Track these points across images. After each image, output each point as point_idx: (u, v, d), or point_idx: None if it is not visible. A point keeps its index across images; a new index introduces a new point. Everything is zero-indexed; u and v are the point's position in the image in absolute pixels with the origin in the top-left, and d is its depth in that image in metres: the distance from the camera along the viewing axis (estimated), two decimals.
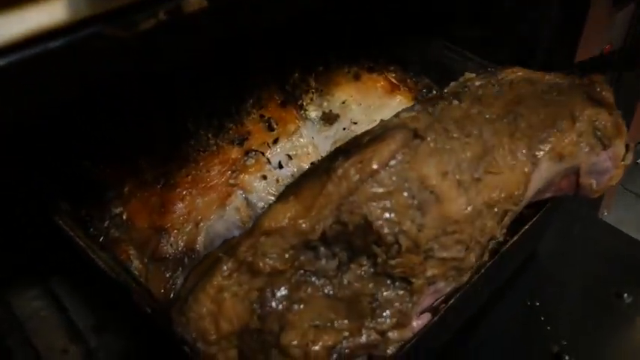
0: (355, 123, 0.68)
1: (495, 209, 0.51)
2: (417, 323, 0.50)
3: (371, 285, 0.49)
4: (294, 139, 0.63)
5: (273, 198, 0.60)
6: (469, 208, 0.49)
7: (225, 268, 0.46)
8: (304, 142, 0.64)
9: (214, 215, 0.60)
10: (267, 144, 0.62)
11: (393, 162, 0.46)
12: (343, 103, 0.70)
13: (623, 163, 0.57)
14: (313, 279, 0.48)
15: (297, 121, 0.64)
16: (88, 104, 0.59)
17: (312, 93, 0.68)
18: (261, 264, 0.45)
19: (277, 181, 0.62)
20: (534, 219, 0.60)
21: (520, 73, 0.57)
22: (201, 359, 0.45)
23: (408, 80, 0.76)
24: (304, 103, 0.68)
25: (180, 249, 0.59)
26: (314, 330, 0.47)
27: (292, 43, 0.74)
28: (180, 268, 0.59)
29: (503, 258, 0.57)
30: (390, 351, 0.48)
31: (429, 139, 0.48)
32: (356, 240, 0.47)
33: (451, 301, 0.52)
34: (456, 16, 0.87)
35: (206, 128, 0.62)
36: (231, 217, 0.60)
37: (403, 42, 0.82)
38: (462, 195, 0.49)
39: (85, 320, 0.68)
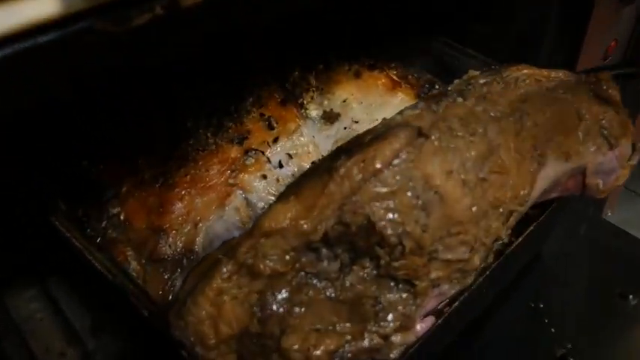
0: (356, 122, 0.67)
1: (501, 210, 0.50)
2: (420, 327, 0.49)
3: (374, 287, 0.48)
4: (294, 137, 0.62)
5: (273, 198, 0.59)
6: (474, 209, 0.48)
7: (224, 270, 0.45)
8: (305, 141, 0.62)
9: (213, 215, 0.59)
10: (267, 143, 0.61)
11: (396, 161, 0.45)
12: (344, 101, 0.69)
13: (629, 163, 0.56)
14: (315, 281, 0.47)
15: (297, 120, 0.63)
16: (85, 103, 0.59)
17: (313, 91, 0.67)
18: (261, 266, 0.44)
19: (277, 180, 0.61)
20: (540, 219, 0.59)
21: (525, 71, 0.56)
22: None
23: (410, 77, 0.75)
24: (305, 102, 0.66)
25: (178, 250, 0.58)
26: (315, 334, 0.46)
27: (292, 41, 0.73)
28: (179, 270, 0.58)
29: (508, 259, 0.56)
30: (393, 355, 0.47)
31: (433, 137, 0.47)
32: (358, 241, 0.46)
33: (455, 304, 0.51)
34: (457, 14, 0.86)
35: (205, 127, 0.61)
36: (230, 217, 0.59)
37: (404, 40, 0.81)
38: (467, 195, 0.47)
39: (82, 322, 0.67)
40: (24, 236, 0.65)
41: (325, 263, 0.47)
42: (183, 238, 0.58)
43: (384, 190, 0.45)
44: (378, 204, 0.45)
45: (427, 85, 0.76)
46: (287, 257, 0.45)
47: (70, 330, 0.67)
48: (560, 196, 0.59)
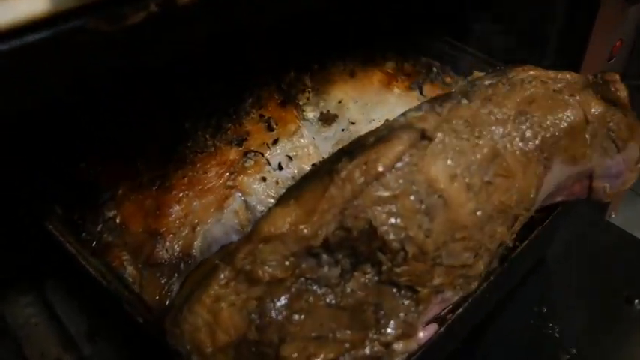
0: (353, 123, 0.66)
1: (506, 214, 0.49)
2: (423, 334, 0.48)
3: (375, 294, 0.46)
4: (294, 139, 0.61)
5: (272, 201, 0.58)
6: (479, 213, 0.47)
7: (222, 276, 0.44)
8: (305, 143, 0.61)
9: (212, 219, 0.58)
10: (267, 145, 0.60)
11: (399, 164, 0.44)
12: (340, 102, 0.68)
13: (637, 166, 0.55)
14: (315, 287, 0.46)
15: (297, 121, 0.62)
16: (81, 105, 0.58)
17: (309, 92, 0.66)
18: (259, 272, 0.43)
19: (277, 183, 0.59)
20: (545, 224, 0.58)
21: (531, 72, 0.55)
22: None
23: (405, 65, 0.74)
24: (301, 103, 0.65)
25: (176, 254, 0.57)
26: (315, 342, 0.45)
27: (293, 41, 0.72)
28: (176, 274, 0.57)
29: (512, 264, 0.55)
30: None
31: (437, 140, 0.46)
32: (360, 246, 0.45)
33: (459, 311, 0.50)
34: (460, 13, 0.85)
35: (203, 129, 0.59)
36: (229, 220, 0.58)
37: (406, 40, 0.80)
38: (472, 199, 0.46)
39: (78, 327, 0.67)
40: (19, 241, 0.64)
41: (326, 269, 0.46)
42: (180, 242, 0.57)
43: (387, 194, 0.43)
44: (380, 208, 0.44)
45: (424, 71, 0.75)
46: (286, 263, 0.44)
47: (66, 335, 0.66)
48: (566, 200, 0.57)
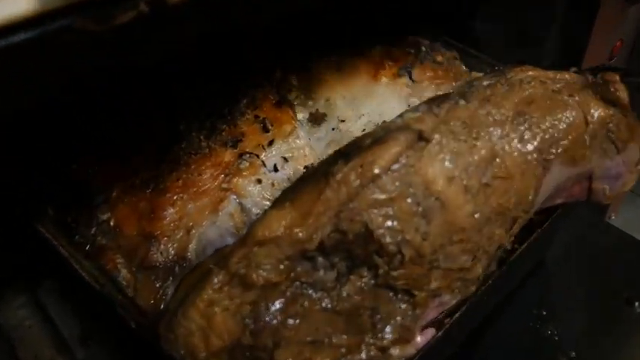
0: (343, 121, 0.65)
1: (504, 216, 0.48)
2: (420, 338, 0.47)
3: (371, 298, 0.46)
4: (290, 140, 0.60)
5: (268, 203, 0.57)
6: (477, 216, 0.46)
7: (215, 280, 0.43)
8: (301, 144, 0.60)
9: (207, 221, 0.57)
10: (262, 146, 0.59)
11: (395, 166, 0.43)
12: (327, 100, 0.66)
13: (638, 167, 0.54)
14: (310, 291, 0.45)
15: (293, 122, 0.61)
16: (74, 106, 0.57)
17: (297, 91, 0.65)
18: (254, 276, 0.43)
19: (273, 185, 0.59)
20: (544, 226, 0.57)
21: (530, 72, 0.54)
22: None
23: (393, 51, 0.72)
24: (295, 104, 0.64)
25: (170, 257, 0.56)
26: (310, 347, 0.44)
27: (287, 40, 0.71)
28: (171, 278, 0.56)
29: (511, 267, 0.55)
30: None
31: (434, 141, 0.45)
32: (356, 249, 0.44)
33: (456, 315, 0.49)
34: (459, 13, 0.84)
35: (198, 130, 0.59)
36: (224, 223, 0.57)
37: (404, 40, 0.79)
38: (470, 201, 0.46)
39: (71, 331, 0.66)
40: (13, 242, 0.64)
41: (321, 273, 0.45)
42: (175, 245, 0.56)
43: (383, 196, 0.43)
44: (376, 211, 0.43)
45: (413, 51, 0.73)
46: (281, 267, 0.43)
47: (59, 338, 0.66)
48: (565, 202, 0.57)
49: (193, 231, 0.57)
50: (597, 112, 0.54)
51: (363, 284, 0.46)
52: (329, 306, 0.45)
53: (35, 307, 0.68)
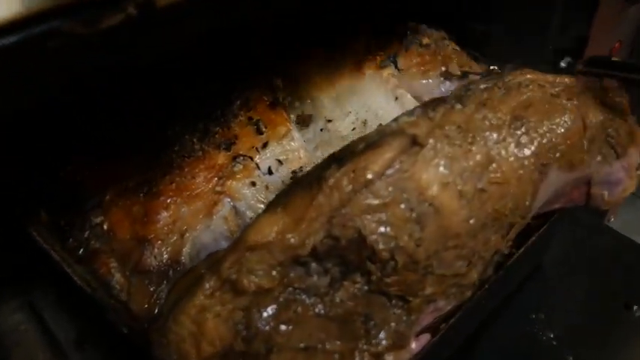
0: (330, 121, 0.64)
1: (501, 222, 0.47)
2: (415, 344, 0.47)
3: (365, 303, 0.45)
4: (284, 142, 0.59)
5: (262, 206, 0.56)
6: (472, 221, 0.46)
7: (207, 286, 0.43)
8: (295, 146, 0.60)
9: (200, 225, 0.56)
10: (256, 148, 0.58)
11: (389, 171, 0.43)
12: (313, 100, 0.65)
13: (637, 173, 0.53)
14: (303, 297, 0.45)
15: (287, 124, 0.60)
16: (66, 108, 0.56)
17: (282, 93, 0.63)
18: (245, 282, 0.42)
19: (267, 187, 0.58)
20: (541, 230, 0.57)
21: (528, 76, 0.53)
22: None
23: (376, 40, 0.69)
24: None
25: (164, 261, 0.55)
26: (303, 353, 0.44)
27: (286, 42, 0.70)
28: (165, 282, 0.55)
29: (507, 272, 0.54)
30: None
31: (428, 146, 0.45)
32: (349, 255, 0.44)
33: (452, 320, 0.49)
34: (457, 14, 0.84)
35: (191, 132, 0.58)
36: (218, 226, 0.57)
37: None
38: (464, 207, 0.45)
39: (66, 334, 0.66)
40: (7, 246, 0.63)
41: (315, 278, 0.45)
42: (169, 249, 0.56)
43: (376, 201, 0.42)
44: (369, 217, 0.42)
45: (396, 37, 0.69)
46: (273, 272, 0.43)
47: (55, 342, 0.65)
48: (563, 207, 0.56)
49: (187, 235, 0.56)
50: (596, 116, 0.53)
51: (356, 290, 0.45)
52: (322, 312, 0.45)
53: (30, 310, 0.68)
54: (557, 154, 0.50)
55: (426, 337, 0.48)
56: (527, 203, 0.49)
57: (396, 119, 0.48)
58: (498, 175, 0.47)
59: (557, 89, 0.54)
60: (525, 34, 0.79)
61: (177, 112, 0.59)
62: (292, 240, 0.42)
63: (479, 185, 0.46)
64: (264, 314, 0.43)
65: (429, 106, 0.49)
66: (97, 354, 0.63)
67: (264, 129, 0.59)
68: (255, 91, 0.61)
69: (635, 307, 0.74)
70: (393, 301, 0.46)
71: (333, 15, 0.72)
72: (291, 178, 0.57)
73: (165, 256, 0.56)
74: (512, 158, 0.48)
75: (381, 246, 0.42)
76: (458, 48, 0.74)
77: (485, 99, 0.51)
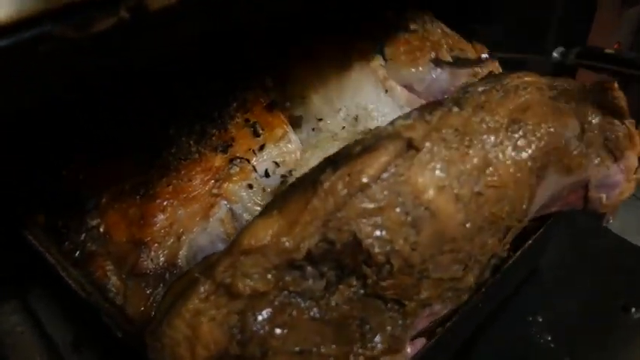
0: (320, 119, 0.63)
1: (497, 225, 0.47)
2: (410, 348, 0.46)
3: (360, 307, 0.45)
4: (281, 144, 0.59)
5: (259, 208, 0.56)
6: (468, 225, 0.45)
7: (201, 290, 0.43)
8: (292, 148, 0.59)
9: (197, 227, 0.56)
10: (253, 151, 0.58)
11: (384, 175, 0.42)
12: (303, 98, 0.64)
13: (635, 176, 0.53)
14: (299, 300, 0.44)
15: (284, 126, 0.60)
16: (63, 111, 0.56)
17: (274, 93, 0.62)
18: (240, 285, 0.42)
19: (264, 190, 0.58)
20: (538, 233, 0.57)
21: (527, 79, 0.53)
22: None
23: (361, 31, 0.67)
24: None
25: (161, 264, 0.55)
26: (299, 356, 0.44)
27: (284, 42, 0.70)
28: (162, 285, 0.55)
29: (504, 276, 0.54)
30: None
31: (424, 149, 0.44)
32: (345, 259, 0.44)
33: (448, 324, 0.49)
34: (458, 17, 0.83)
35: (187, 134, 0.58)
36: (215, 229, 0.56)
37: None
38: (461, 210, 0.45)
39: (63, 337, 0.66)
40: (4, 247, 0.63)
41: (310, 282, 0.44)
42: (165, 252, 0.55)
43: (371, 205, 0.42)
44: (364, 220, 0.42)
45: (381, 26, 0.67)
46: (268, 276, 0.43)
47: (51, 345, 0.65)
48: (561, 210, 0.56)
49: (184, 237, 0.56)
50: (595, 119, 0.53)
51: (351, 294, 0.45)
52: (317, 315, 0.45)
53: (27, 313, 0.68)
54: (555, 158, 0.50)
55: (421, 341, 0.48)
56: (524, 207, 0.49)
57: (392, 122, 0.48)
58: (495, 178, 0.46)
59: (555, 92, 0.53)
60: (525, 38, 0.79)
61: (173, 115, 0.59)
62: (287, 243, 0.42)
63: (475, 189, 0.46)
64: (259, 318, 0.43)
65: (426, 109, 0.49)
66: (94, 356, 0.63)
67: (261, 131, 0.59)
68: (251, 93, 0.60)
69: (633, 310, 0.74)
70: (389, 305, 0.45)
71: (327, 14, 0.71)
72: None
73: (162, 258, 0.55)
74: (509, 161, 0.47)
75: (376, 250, 0.42)
76: (448, 29, 0.71)
77: (482, 102, 0.50)
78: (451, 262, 0.45)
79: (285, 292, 0.44)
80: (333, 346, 0.45)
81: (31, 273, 0.67)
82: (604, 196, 0.54)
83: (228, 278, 0.42)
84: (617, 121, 0.53)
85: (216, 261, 0.43)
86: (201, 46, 0.54)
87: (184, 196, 0.56)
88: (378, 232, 0.42)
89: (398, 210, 0.42)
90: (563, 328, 0.71)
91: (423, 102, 0.66)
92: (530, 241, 0.56)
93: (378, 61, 0.67)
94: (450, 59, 0.68)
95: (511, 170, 0.47)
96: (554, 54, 0.68)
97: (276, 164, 0.59)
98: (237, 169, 0.57)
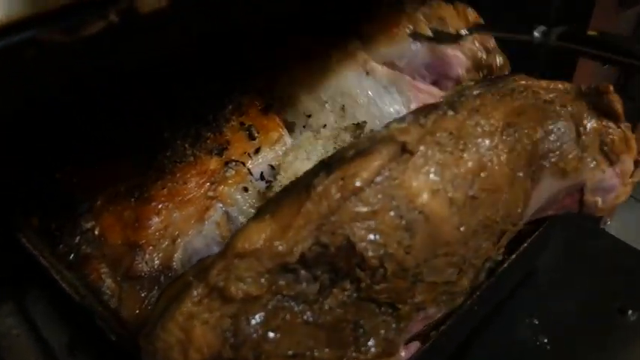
0: (309, 116, 0.62)
1: (492, 229, 0.47)
2: (404, 352, 0.46)
3: (354, 311, 0.45)
4: (276, 148, 0.59)
5: (254, 211, 0.56)
6: (462, 229, 0.45)
7: (195, 293, 0.42)
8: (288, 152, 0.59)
9: (192, 230, 0.56)
10: (248, 154, 0.58)
11: (378, 178, 0.42)
12: (290, 96, 0.63)
13: (631, 180, 0.53)
14: (292, 304, 0.44)
15: (280, 129, 0.60)
16: (57, 113, 0.56)
17: (267, 94, 0.63)
18: (233, 289, 0.42)
19: (259, 193, 0.58)
20: (533, 236, 0.56)
21: (522, 82, 0.53)
22: None
23: (338, 10, 0.67)
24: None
25: (156, 267, 0.55)
26: None
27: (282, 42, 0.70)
28: (157, 288, 0.55)
29: (499, 279, 0.54)
30: None
31: (418, 153, 0.44)
32: (339, 262, 0.44)
33: (442, 327, 0.48)
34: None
35: (183, 137, 0.58)
36: (210, 232, 0.56)
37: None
38: (455, 214, 0.45)
39: (59, 340, 0.66)
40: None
41: (304, 285, 0.44)
42: (160, 255, 0.55)
43: (365, 209, 0.42)
44: (358, 224, 0.42)
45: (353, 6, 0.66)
46: (262, 280, 0.43)
47: (47, 348, 0.65)
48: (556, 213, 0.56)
49: (179, 240, 0.56)
50: (590, 123, 0.53)
51: (345, 297, 0.45)
52: (311, 319, 0.44)
53: (22, 315, 0.67)
54: (550, 162, 0.50)
55: (415, 345, 0.48)
56: (519, 210, 0.48)
57: (387, 125, 0.48)
58: (490, 182, 0.46)
59: (551, 95, 0.53)
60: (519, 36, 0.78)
61: (168, 118, 0.59)
62: (280, 247, 0.42)
63: (470, 192, 0.45)
64: (253, 321, 0.43)
65: (421, 112, 0.49)
66: (89, 359, 0.63)
67: (256, 134, 0.59)
68: (247, 96, 0.60)
69: (629, 312, 0.74)
70: (383, 309, 0.45)
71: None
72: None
73: (157, 261, 0.55)
74: (504, 165, 0.47)
75: (370, 253, 0.42)
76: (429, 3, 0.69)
77: (477, 105, 0.50)
78: (445, 266, 0.45)
79: (279, 295, 0.44)
80: (327, 349, 0.44)
81: (28, 275, 0.67)
82: (600, 199, 0.53)
83: (222, 282, 0.42)
84: (613, 125, 0.53)
85: (210, 264, 0.43)
86: (195, 48, 0.54)
87: (179, 198, 0.56)
88: (371, 236, 0.42)
89: (392, 214, 0.42)
90: (560, 331, 0.71)
91: (407, 77, 0.65)
92: (525, 244, 0.56)
93: (355, 45, 0.66)
94: (429, 32, 0.66)
95: (506, 174, 0.47)
96: (535, 33, 0.63)
97: (272, 167, 0.59)
98: (233, 172, 0.57)
